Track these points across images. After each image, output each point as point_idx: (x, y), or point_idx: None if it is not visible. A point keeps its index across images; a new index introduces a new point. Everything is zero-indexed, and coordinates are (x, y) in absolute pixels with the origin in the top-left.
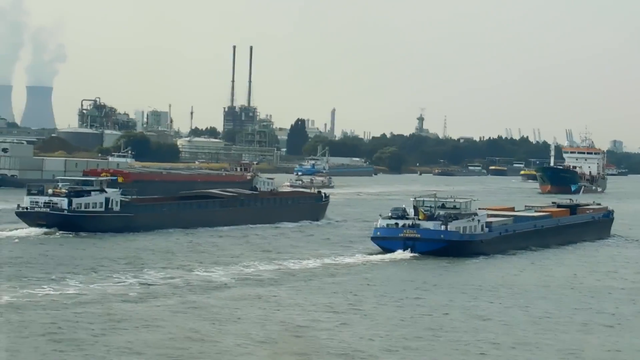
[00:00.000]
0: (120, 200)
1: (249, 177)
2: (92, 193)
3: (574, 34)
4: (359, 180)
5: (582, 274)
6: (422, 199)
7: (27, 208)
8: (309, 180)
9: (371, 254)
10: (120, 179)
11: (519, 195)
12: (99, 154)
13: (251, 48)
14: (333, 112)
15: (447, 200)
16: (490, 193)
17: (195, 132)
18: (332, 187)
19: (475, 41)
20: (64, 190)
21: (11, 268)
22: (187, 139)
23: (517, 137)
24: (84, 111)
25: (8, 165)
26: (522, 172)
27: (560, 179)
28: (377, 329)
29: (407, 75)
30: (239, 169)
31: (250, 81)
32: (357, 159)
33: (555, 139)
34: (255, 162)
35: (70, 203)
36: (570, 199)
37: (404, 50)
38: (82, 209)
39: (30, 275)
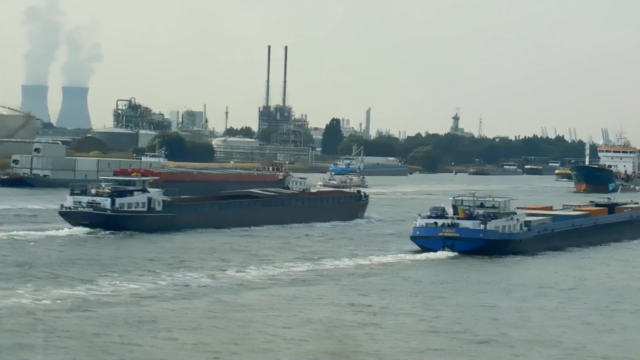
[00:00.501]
0: (163, 200)
1: (280, 177)
2: (135, 193)
3: (611, 28)
4: (393, 179)
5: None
6: (460, 198)
7: (70, 208)
8: (343, 180)
9: (410, 252)
10: (151, 180)
11: (554, 195)
12: (134, 154)
13: (286, 48)
14: (368, 112)
15: (485, 199)
16: (525, 192)
17: (230, 132)
18: (366, 186)
19: (511, 38)
20: (107, 190)
21: (59, 267)
22: (222, 138)
23: (552, 136)
24: (119, 111)
25: (41, 165)
26: (556, 171)
27: (595, 177)
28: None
29: (442, 75)
30: (271, 168)
31: (285, 81)
32: (392, 158)
33: (591, 138)
34: (287, 162)
35: (113, 203)
36: (608, 198)
37: (439, 49)
38: (125, 208)
39: (74, 275)
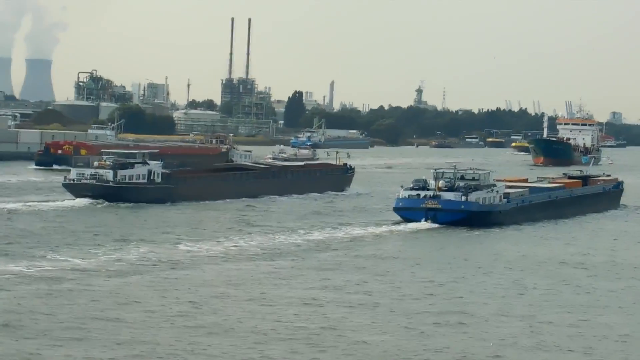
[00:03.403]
0: (162, 173)
1: (224, 150)
2: (136, 165)
3: (576, 3)
4: (354, 152)
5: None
6: (442, 170)
7: (73, 180)
8: (293, 154)
9: (394, 223)
10: (83, 152)
11: (514, 168)
12: (93, 126)
13: (249, 20)
14: (332, 85)
15: (466, 171)
16: (482, 165)
17: (192, 104)
18: (317, 159)
19: (476, 11)
20: (108, 163)
21: (71, 237)
22: (183, 111)
23: (516, 109)
24: (80, 83)
25: None
26: (513, 144)
27: (553, 150)
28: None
29: (407, 48)
30: (214, 141)
31: (248, 53)
32: (354, 131)
33: (555, 111)
34: (231, 135)
35: (115, 175)
36: (580, 171)
37: (403, 23)
38: (127, 180)
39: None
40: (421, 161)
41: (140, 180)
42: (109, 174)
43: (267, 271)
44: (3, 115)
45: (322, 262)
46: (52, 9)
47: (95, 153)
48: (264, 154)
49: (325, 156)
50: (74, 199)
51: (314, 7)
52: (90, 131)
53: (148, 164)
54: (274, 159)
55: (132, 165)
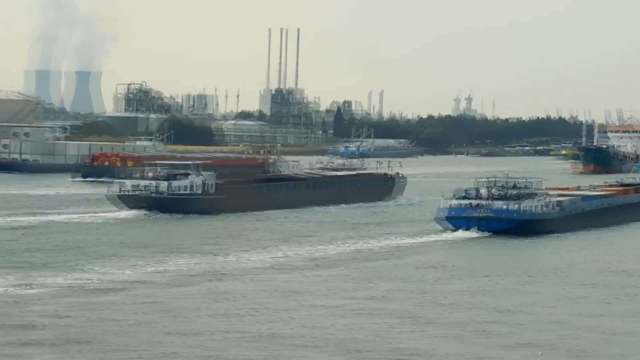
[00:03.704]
0: (215, 183)
1: (271, 160)
2: (189, 176)
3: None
4: (403, 162)
5: None
6: (493, 178)
7: (128, 191)
8: (342, 163)
9: (446, 232)
10: (129, 163)
11: (563, 176)
12: (139, 138)
13: (298, 30)
14: (381, 94)
15: (518, 179)
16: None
17: (241, 115)
18: (365, 169)
19: (525, 19)
20: (163, 174)
21: (128, 248)
22: (232, 122)
23: (566, 117)
24: (130, 95)
25: (30, 150)
26: (562, 151)
27: (602, 158)
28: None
29: (456, 56)
30: (261, 151)
31: (297, 64)
32: (402, 140)
33: (605, 119)
34: (279, 145)
35: (169, 186)
36: (633, 178)
37: (453, 31)
38: (181, 191)
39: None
40: (471, 170)
41: (195, 191)
42: (163, 185)
43: (314, 281)
44: (50, 127)
45: (372, 271)
46: (103, 21)
47: (141, 164)
48: (312, 164)
49: (375, 165)
50: (129, 210)
51: (361, 16)
52: (138, 143)
53: (202, 175)
54: (323, 168)
55: (186, 177)
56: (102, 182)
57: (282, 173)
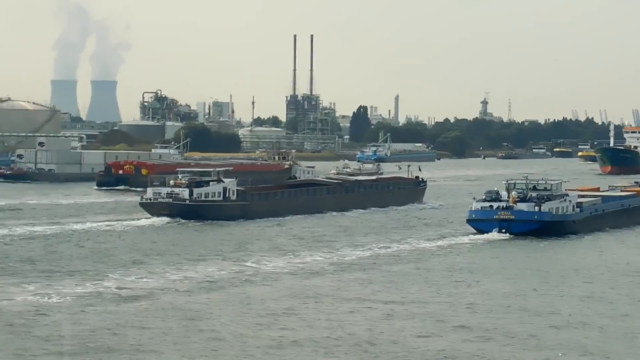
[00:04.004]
0: (237, 190)
1: (286, 166)
2: (211, 183)
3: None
4: (422, 166)
5: None
6: (514, 181)
7: (150, 199)
8: (357, 168)
9: (468, 235)
10: (144, 172)
11: (581, 177)
12: (155, 146)
13: (312, 36)
14: (397, 99)
15: (538, 182)
16: (549, 175)
17: (257, 121)
18: (381, 174)
19: (541, 21)
20: (184, 181)
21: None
22: (249, 128)
23: (583, 118)
24: (145, 103)
25: (45, 159)
26: (580, 153)
27: (620, 159)
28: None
29: (472, 59)
30: (276, 157)
31: (312, 69)
32: (420, 144)
33: (622, 120)
34: (294, 150)
35: (191, 193)
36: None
37: (468, 34)
38: (203, 198)
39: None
40: (489, 173)
41: (216, 198)
42: (185, 193)
43: (336, 286)
44: (67, 136)
45: (394, 275)
46: (116, 28)
47: (155, 172)
48: (329, 169)
49: (395, 170)
50: (150, 218)
51: (378, 22)
52: (154, 150)
53: (223, 182)
54: (338, 174)
55: (207, 183)
56: (119, 189)
57: (300, 179)
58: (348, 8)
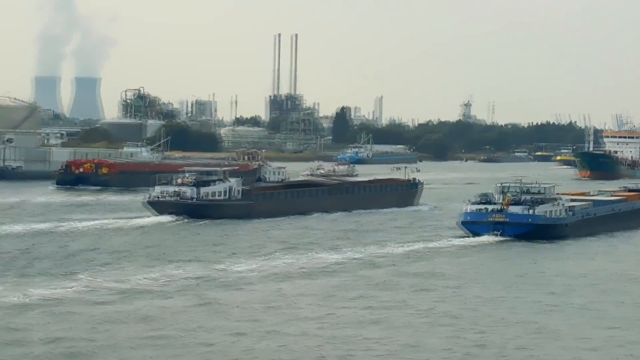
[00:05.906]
0: (241, 189)
1: (255, 166)
2: (216, 182)
3: (628, 15)
4: (403, 168)
5: None
6: (507, 184)
7: (157, 197)
8: (331, 169)
9: (461, 237)
10: (105, 170)
11: (560, 181)
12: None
13: (295, 36)
14: (380, 100)
15: (531, 185)
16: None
17: (239, 121)
18: (356, 176)
19: (524, 24)
20: (190, 180)
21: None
22: (230, 128)
23: (565, 122)
24: (127, 101)
25: (13, 156)
26: (558, 157)
27: (599, 164)
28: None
29: (455, 62)
30: (245, 157)
31: (295, 69)
32: (401, 146)
33: (605, 125)
34: (264, 150)
35: (197, 192)
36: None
37: (452, 37)
38: (209, 197)
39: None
40: (473, 175)
41: (221, 197)
42: (191, 191)
43: (325, 292)
44: (45, 133)
45: (390, 278)
46: (101, 20)
47: (116, 171)
48: (302, 170)
49: (378, 172)
50: (157, 216)
51: (361, 23)
52: (125, 149)
53: (228, 181)
54: (311, 175)
55: (213, 182)
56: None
57: (269, 180)
58: (332, 8)
